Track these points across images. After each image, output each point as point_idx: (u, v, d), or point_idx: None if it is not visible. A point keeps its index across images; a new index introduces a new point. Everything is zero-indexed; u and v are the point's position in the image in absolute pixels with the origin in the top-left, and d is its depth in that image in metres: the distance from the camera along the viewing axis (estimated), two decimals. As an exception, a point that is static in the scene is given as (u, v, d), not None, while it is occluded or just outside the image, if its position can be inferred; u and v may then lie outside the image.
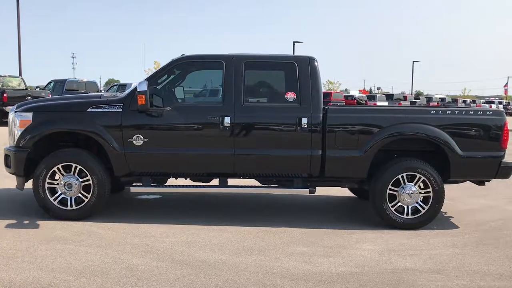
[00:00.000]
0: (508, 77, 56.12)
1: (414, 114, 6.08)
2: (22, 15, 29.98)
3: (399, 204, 5.94)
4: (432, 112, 6.06)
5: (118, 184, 6.44)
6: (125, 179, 6.17)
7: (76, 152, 6.01)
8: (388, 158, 6.11)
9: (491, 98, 73.61)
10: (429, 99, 56.85)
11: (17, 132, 6.01)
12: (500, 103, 55.42)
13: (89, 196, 5.93)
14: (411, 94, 65.76)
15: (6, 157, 6.14)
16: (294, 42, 49.90)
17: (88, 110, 5.95)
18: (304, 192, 6.11)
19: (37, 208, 6.08)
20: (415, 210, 5.96)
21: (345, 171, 6.07)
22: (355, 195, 7.75)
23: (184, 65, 6.28)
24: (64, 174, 5.93)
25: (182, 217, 6.26)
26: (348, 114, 6.19)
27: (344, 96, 41.80)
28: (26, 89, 21.80)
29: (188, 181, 6.57)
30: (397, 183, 5.93)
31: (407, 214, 5.94)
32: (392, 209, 5.92)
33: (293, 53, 34.63)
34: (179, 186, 6.49)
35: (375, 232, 5.81)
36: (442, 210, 6.20)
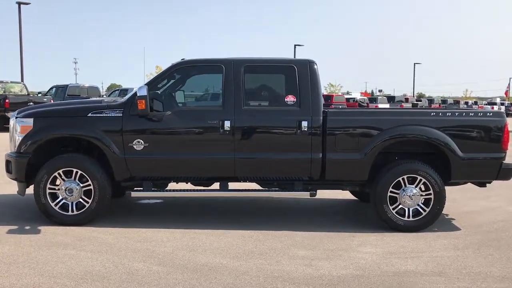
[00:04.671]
0: (510, 78, 55.93)
1: (414, 116, 6.07)
2: (23, 20, 30.10)
3: (400, 206, 5.93)
4: (432, 114, 6.05)
5: (119, 189, 6.44)
6: (126, 183, 6.17)
7: (77, 157, 6.02)
8: (388, 160, 6.11)
9: (493, 99, 73.42)
10: (430, 100, 56.77)
11: (18, 138, 6.03)
12: (502, 104, 55.27)
13: (90, 201, 5.94)
14: (413, 96, 65.71)
15: (7, 162, 6.15)
16: (295, 45, 50.01)
17: (88, 115, 5.96)
18: (305, 195, 6.10)
19: (38, 214, 6.08)
20: (416, 213, 5.94)
21: (345, 174, 6.07)
22: (356, 198, 7.74)
23: (184, 70, 6.29)
24: (65, 179, 5.94)
25: (183, 222, 6.26)
26: (348, 117, 6.19)
27: (346, 98, 41.77)
28: (28, 94, 21.85)
29: (189, 186, 6.57)
30: (398, 186, 5.92)
31: (408, 217, 5.93)
32: (393, 211, 5.91)
33: (294, 56, 34.70)
34: (180, 190, 6.49)
35: (376, 234, 5.80)
36: (443, 212, 6.19)
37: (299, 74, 6.02)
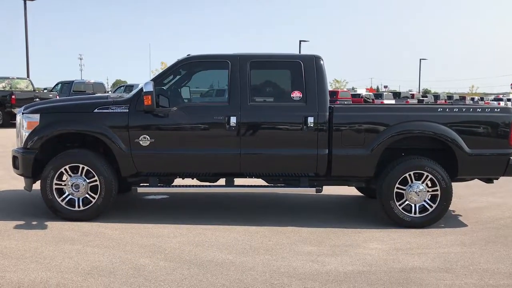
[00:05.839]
0: (516, 73, 55.56)
1: (421, 112, 6.04)
2: (29, 17, 30.18)
3: (407, 202, 5.91)
4: (439, 110, 6.02)
5: (125, 185, 6.46)
6: (132, 179, 6.18)
7: (83, 153, 6.03)
8: (395, 156, 6.08)
9: (499, 95, 72.95)
10: (436, 96, 56.53)
11: (25, 134, 6.05)
12: (509, 100, 54.93)
13: (96, 196, 5.96)
14: (419, 92, 65.43)
15: (14, 158, 6.18)
16: (300, 41, 49.93)
17: (94, 111, 5.97)
18: (311, 191, 6.08)
19: (45, 209, 6.11)
20: (423, 209, 5.92)
21: (352, 170, 6.05)
22: (362, 194, 7.73)
23: (189, 65, 6.28)
24: (72, 175, 5.96)
25: (189, 217, 6.27)
26: (354, 113, 6.16)
27: (351, 94, 41.64)
28: (34, 91, 21.92)
29: (195, 181, 6.58)
30: (404, 182, 5.89)
31: (415, 213, 5.91)
32: (400, 207, 5.89)
33: (300, 52, 34.59)
34: (186, 186, 6.50)
35: (383, 231, 5.79)
36: (450, 208, 6.16)
37: (305, 69, 6.00)
